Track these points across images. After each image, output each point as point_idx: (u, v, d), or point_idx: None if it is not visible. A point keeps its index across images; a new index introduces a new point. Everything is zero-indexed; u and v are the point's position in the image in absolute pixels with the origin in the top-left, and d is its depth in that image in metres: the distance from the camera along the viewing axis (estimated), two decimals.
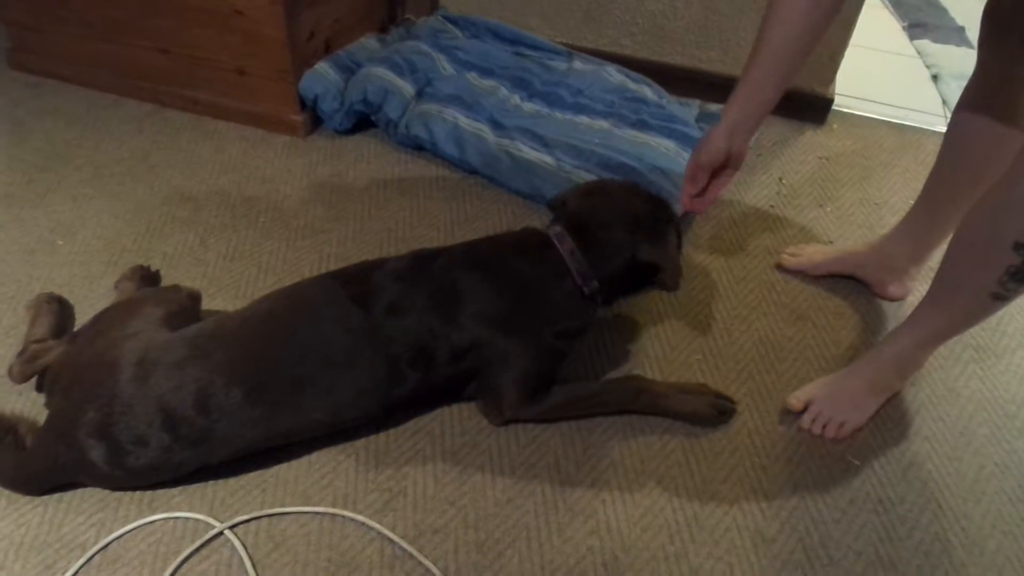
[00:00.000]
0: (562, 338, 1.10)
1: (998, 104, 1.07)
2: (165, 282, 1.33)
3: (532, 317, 1.07)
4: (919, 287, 1.36)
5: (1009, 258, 0.91)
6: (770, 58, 1.02)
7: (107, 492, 1.02)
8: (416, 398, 1.10)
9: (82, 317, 1.25)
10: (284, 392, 0.99)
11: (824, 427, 1.15)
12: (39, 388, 1.12)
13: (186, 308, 1.10)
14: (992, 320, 1.35)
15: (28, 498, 1.01)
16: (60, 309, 1.20)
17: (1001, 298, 0.97)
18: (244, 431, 0.99)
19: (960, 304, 1.04)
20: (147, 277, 1.29)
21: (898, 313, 1.35)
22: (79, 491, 1.02)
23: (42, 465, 0.97)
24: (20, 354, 1.11)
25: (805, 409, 1.17)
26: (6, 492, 1.01)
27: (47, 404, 1.05)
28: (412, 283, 1.05)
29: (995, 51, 1.05)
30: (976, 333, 1.33)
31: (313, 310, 1.04)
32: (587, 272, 1.08)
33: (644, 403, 1.15)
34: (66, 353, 1.05)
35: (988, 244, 0.94)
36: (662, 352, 1.27)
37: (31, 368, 1.09)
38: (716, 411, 1.15)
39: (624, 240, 1.10)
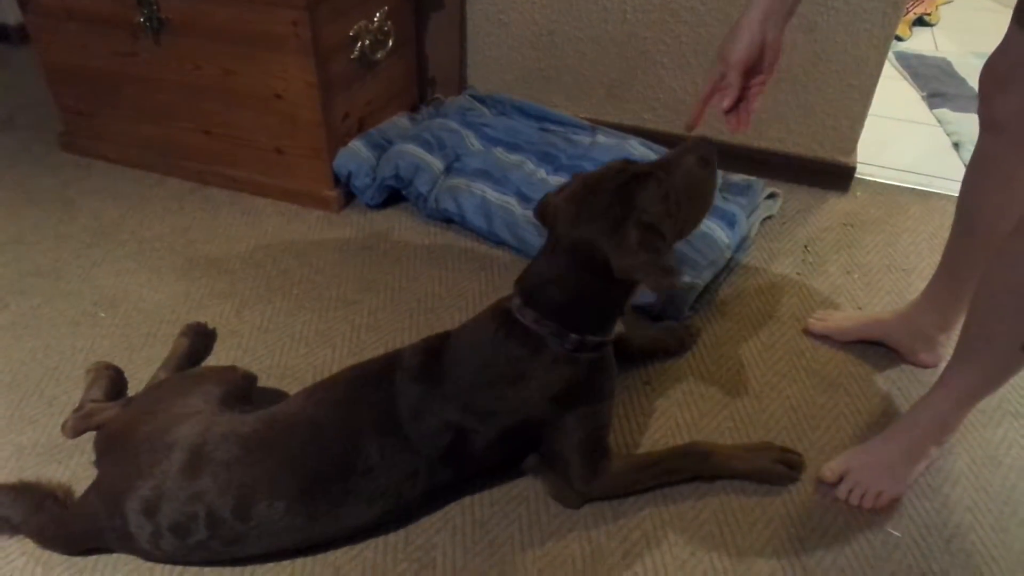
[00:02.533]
0: (576, 402, 1.06)
1: (1002, 165, 1.09)
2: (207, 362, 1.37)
3: (533, 396, 1.04)
4: (950, 354, 1.34)
5: None
6: None
7: (139, 561, 1.02)
8: (453, 487, 1.11)
9: None
10: (326, 505, 1.00)
11: (862, 498, 1.12)
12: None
13: (241, 388, 1.14)
14: None
15: (64, 564, 1.02)
16: (116, 376, 1.26)
17: None
18: (281, 538, 1.00)
19: (991, 359, 1.02)
20: (202, 333, 1.37)
21: (932, 379, 1.32)
22: (112, 557, 1.03)
23: (83, 526, 0.99)
24: (76, 411, 1.16)
25: (840, 480, 1.14)
26: (42, 559, 1.03)
27: (97, 464, 1.08)
28: (427, 384, 1.04)
29: (994, 111, 1.07)
30: (1015, 399, 1.30)
31: (351, 420, 1.03)
32: (560, 332, 1.02)
33: (713, 466, 1.14)
34: (121, 417, 1.09)
35: (1011, 296, 0.94)
36: (692, 420, 1.26)
37: (85, 424, 1.14)
38: (786, 466, 1.14)
39: (581, 276, 1.01)
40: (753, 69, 1.01)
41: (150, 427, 1.01)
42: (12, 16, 2.63)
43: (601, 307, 1.05)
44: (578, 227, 1.00)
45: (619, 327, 1.10)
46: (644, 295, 1.45)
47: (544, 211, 1.09)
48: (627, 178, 1.01)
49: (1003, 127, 1.06)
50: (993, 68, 1.05)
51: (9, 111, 2.22)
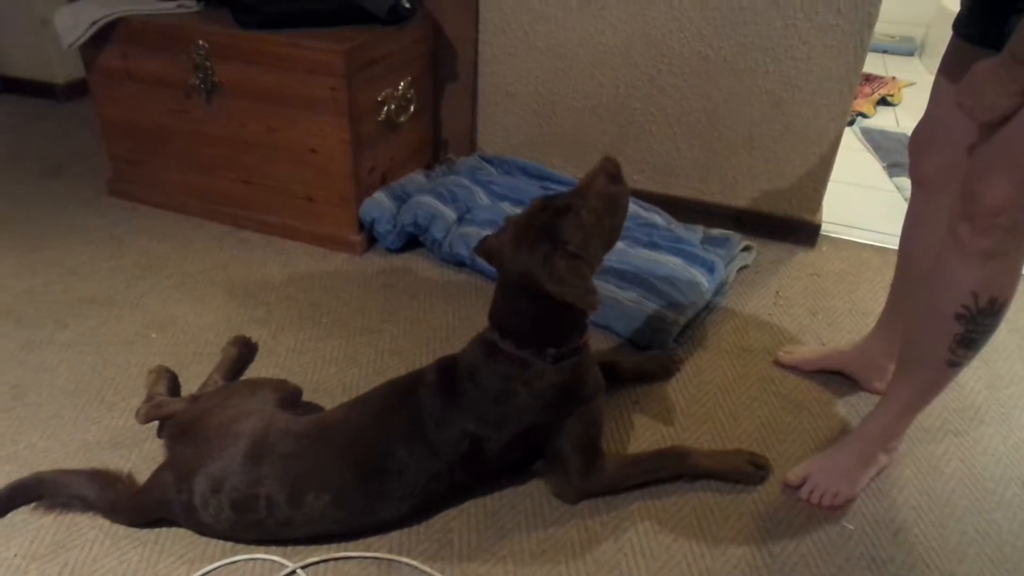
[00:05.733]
0: (570, 404, 1.23)
1: (930, 215, 1.31)
2: (248, 372, 1.55)
3: (533, 405, 1.20)
4: None
5: (954, 328, 1.11)
6: None
7: (195, 536, 1.18)
8: (471, 487, 1.27)
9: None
10: (364, 501, 1.17)
11: (821, 497, 1.30)
12: (160, 433, 1.34)
13: (292, 396, 1.35)
14: (971, 409, 1.52)
15: (129, 538, 1.18)
16: (174, 379, 1.47)
17: (955, 365, 1.16)
18: (324, 526, 1.16)
19: (923, 376, 1.22)
20: (247, 344, 1.58)
21: None
22: (171, 533, 1.18)
23: (154, 497, 1.16)
24: (147, 401, 1.34)
25: (803, 483, 1.32)
26: (111, 533, 1.19)
27: (168, 447, 1.25)
28: (445, 398, 1.22)
29: (920, 171, 1.31)
30: (955, 420, 1.49)
31: (386, 428, 1.20)
32: (539, 351, 1.19)
33: (692, 465, 1.31)
34: (192, 409, 1.27)
35: (934, 319, 1.14)
36: (675, 434, 1.44)
37: (156, 413, 1.31)
38: (754, 467, 1.32)
39: (531, 304, 1.17)
40: None
41: (219, 418, 1.19)
42: (61, 76, 2.89)
43: (562, 322, 1.20)
44: (516, 263, 1.17)
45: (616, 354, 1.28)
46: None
47: (488, 252, 1.26)
48: (549, 215, 1.16)
49: (926, 183, 1.30)
50: (917, 135, 1.29)
51: (59, 161, 2.45)
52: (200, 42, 1.87)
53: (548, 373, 1.21)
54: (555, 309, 1.16)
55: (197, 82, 1.92)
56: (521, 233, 1.18)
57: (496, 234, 1.26)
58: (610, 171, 1.21)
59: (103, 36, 1.97)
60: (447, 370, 1.25)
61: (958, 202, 1.08)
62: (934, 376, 1.22)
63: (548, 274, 1.13)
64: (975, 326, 1.12)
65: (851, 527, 1.26)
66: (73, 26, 1.98)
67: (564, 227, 1.15)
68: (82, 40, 1.98)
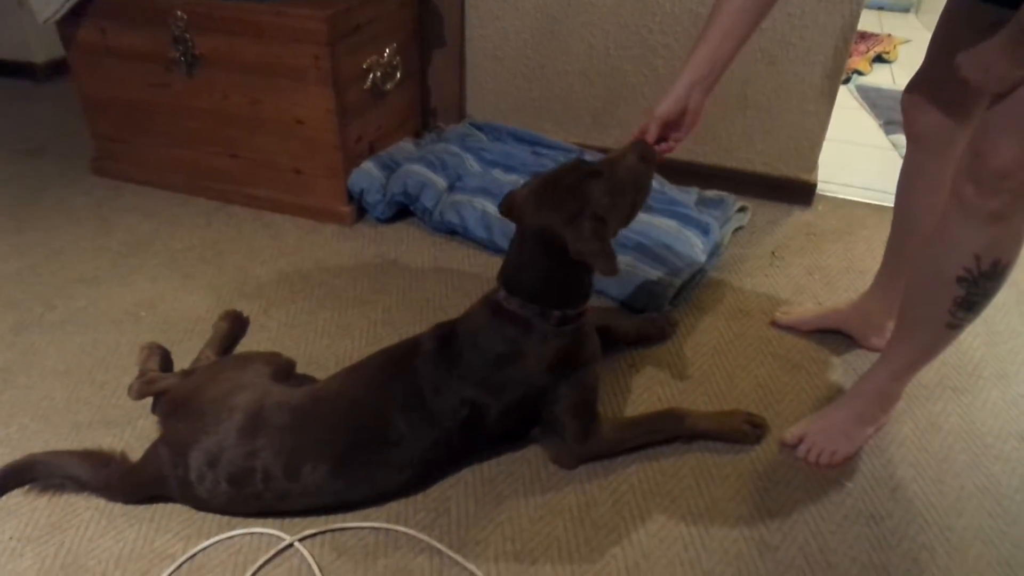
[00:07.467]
0: (568, 369, 1.22)
1: (926, 172, 1.29)
2: (239, 347, 1.54)
3: (533, 369, 1.20)
4: None
5: (954, 291, 1.10)
6: (727, 20, 1.11)
7: (191, 512, 1.17)
8: (469, 454, 1.27)
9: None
10: (363, 471, 1.16)
11: (819, 456, 1.29)
12: (154, 409, 1.33)
13: (285, 369, 1.34)
14: (969, 365, 1.51)
15: (125, 516, 1.17)
16: (165, 354, 1.45)
17: (954, 327, 1.14)
18: (322, 498, 1.15)
19: (921, 337, 1.20)
20: (238, 319, 1.57)
21: None
22: (167, 509, 1.18)
23: (149, 473, 1.15)
24: (139, 377, 1.33)
25: (800, 442, 1.31)
26: (106, 512, 1.18)
27: (162, 424, 1.24)
28: (445, 365, 1.20)
29: (915, 127, 1.28)
30: (953, 376, 1.48)
31: (382, 397, 1.18)
32: (544, 312, 1.19)
33: (689, 427, 1.30)
34: (185, 384, 1.26)
35: (935, 281, 1.12)
36: (672, 396, 1.43)
37: (148, 389, 1.30)
38: (752, 427, 1.32)
39: (546, 261, 1.17)
40: (675, 124, 1.22)
41: (213, 392, 1.18)
42: (40, 55, 2.83)
43: (570, 284, 1.20)
44: (540, 217, 1.16)
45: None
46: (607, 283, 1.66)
47: (510, 206, 1.25)
48: (581, 175, 1.16)
49: (922, 138, 1.27)
50: (911, 90, 1.26)
51: (41, 141, 2.41)
52: (179, 13, 1.82)
53: (550, 338, 1.20)
54: (569, 269, 1.16)
55: (177, 55, 1.88)
56: (548, 190, 1.17)
57: (520, 189, 1.25)
58: (643, 151, 1.22)
59: (80, 11, 1.93)
60: (445, 337, 1.24)
61: (964, 163, 1.05)
62: (933, 338, 1.20)
63: (573, 233, 1.12)
64: (976, 289, 1.10)
65: (849, 484, 1.26)
66: (48, 1, 1.93)
67: (594, 189, 1.16)
68: (58, 16, 1.93)
